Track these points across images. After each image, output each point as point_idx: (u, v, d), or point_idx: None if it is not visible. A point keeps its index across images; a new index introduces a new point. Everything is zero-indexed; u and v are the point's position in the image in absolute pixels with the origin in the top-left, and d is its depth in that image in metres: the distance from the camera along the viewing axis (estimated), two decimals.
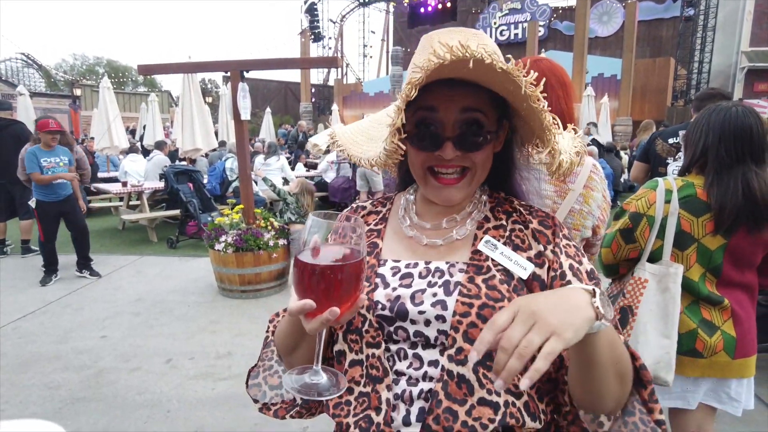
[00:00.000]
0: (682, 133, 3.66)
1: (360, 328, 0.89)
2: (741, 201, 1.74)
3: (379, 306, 0.87)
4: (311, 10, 28.04)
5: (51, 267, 5.93)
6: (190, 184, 7.60)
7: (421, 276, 0.89)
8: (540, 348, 0.62)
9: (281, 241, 5.21)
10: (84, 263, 6.13)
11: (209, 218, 7.03)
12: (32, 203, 5.61)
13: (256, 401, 1.04)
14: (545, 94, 0.79)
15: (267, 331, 1.06)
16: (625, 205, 1.97)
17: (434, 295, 0.85)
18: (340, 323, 0.75)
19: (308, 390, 0.75)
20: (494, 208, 0.97)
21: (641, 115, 17.22)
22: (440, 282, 0.87)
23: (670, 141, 3.69)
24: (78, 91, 25.38)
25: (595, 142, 9.56)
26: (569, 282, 0.86)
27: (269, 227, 5.30)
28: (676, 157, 3.65)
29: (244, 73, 5.00)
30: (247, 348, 4.07)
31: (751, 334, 1.84)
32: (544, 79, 0.81)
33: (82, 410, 3.20)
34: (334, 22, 30.45)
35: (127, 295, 5.39)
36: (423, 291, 0.86)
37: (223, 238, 5.10)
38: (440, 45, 0.71)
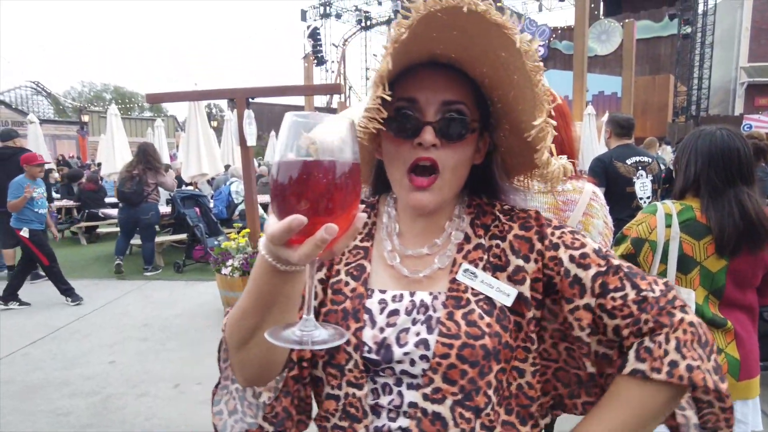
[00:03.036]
0: (637, 158, 3.97)
1: (342, 365, 0.83)
2: (739, 222, 1.77)
3: (366, 348, 0.83)
4: (314, 35, 28.57)
5: (68, 287, 6.07)
6: (197, 209, 7.69)
7: (407, 312, 0.84)
8: None
9: None
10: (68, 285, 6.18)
11: (216, 242, 7.10)
12: (25, 233, 5.75)
13: None
14: None
15: (223, 330, 0.83)
16: (625, 231, 2.00)
17: (417, 334, 0.82)
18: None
19: (302, 340, 0.61)
20: (474, 220, 0.92)
21: (643, 132, 17.31)
22: (423, 318, 0.83)
23: (629, 162, 3.95)
24: (86, 118, 25.80)
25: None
26: (576, 278, 0.82)
27: None
28: (638, 175, 3.93)
29: (250, 100, 5.11)
30: None
31: (754, 354, 1.86)
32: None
33: None
34: (336, 46, 30.98)
35: (134, 320, 5.42)
36: (407, 330, 0.83)
37: (229, 262, 5.15)
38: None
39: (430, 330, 0.82)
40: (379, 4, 28.88)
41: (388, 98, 0.74)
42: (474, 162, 0.90)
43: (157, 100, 5.24)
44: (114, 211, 9.35)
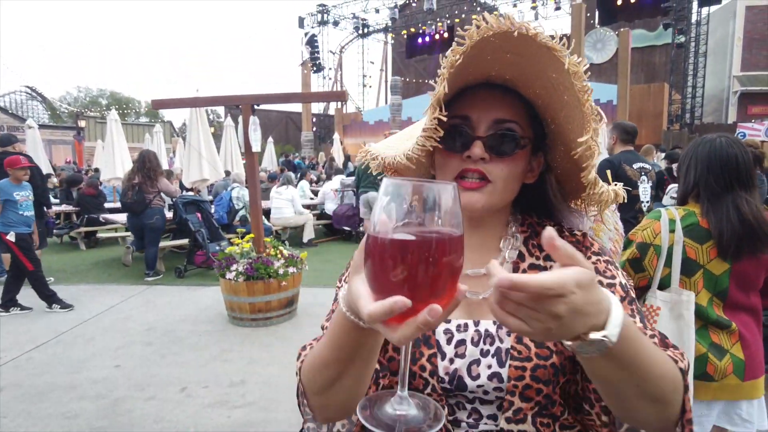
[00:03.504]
0: (640, 164, 4.28)
1: (420, 390, 0.86)
2: (738, 226, 1.84)
3: (438, 378, 0.86)
4: (311, 42, 28.75)
5: (51, 293, 6.00)
6: (199, 214, 7.71)
7: (473, 342, 0.87)
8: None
9: (291, 269, 5.30)
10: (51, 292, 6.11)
11: (217, 248, 7.13)
12: (11, 237, 5.71)
13: None
14: None
15: (297, 374, 0.84)
16: (631, 236, 2.07)
17: (489, 366, 0.85)
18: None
19: (392, 424, 0.57)
20: (528, 239, 0.94)
21: (638, 140, 17.46)
22: (492, 350, 0.86)
23: (635, 166, 4.24)
24: (82, 123, 25.78)
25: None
26: None
27: (279, 255, 5.39)
28: (641, 179, 4.21)
29: (255, 106, 5.17)
30: (260, 376, 4.12)
31: (759, 356, 1.93)
32: None
33: None
34: (333, 53, 31.13)
35: (137, 325, 5.44)
36: (478, 362, 0.86)
37: (234, 267, 5.18)
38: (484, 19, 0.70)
39: (501, 363, 0.85)
40: (377, 12, 29.07)
41: (444, 119, 0.78)
42: (527, 181, 0.93)
43: (164, 106, 5.29)
44: (115, 216, 9.38)
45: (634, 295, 0.88)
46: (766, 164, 4.73)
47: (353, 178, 9.98)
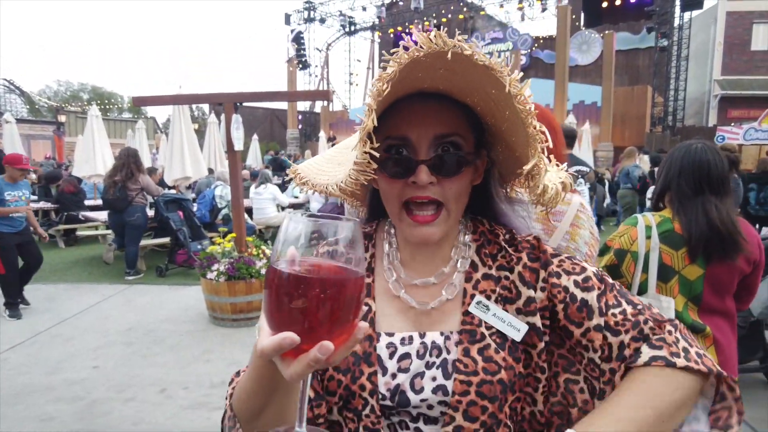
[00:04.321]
0: (577, 168, 4.47)
1: (359, 411, 0.82)
2: (705, 229, 1.88)
3: (378, 396, 0.82)
4: (298, 39, 28.54)
5: (15, 300, 5.73)
6: (180, 213, 7.62)
7: (419, 355, 0.83)
8: None
9: None
10: (15, 300, 5.79)
11: (199, 246, 7.06)
12: None
13: None
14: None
15: (226, 398, 0.82)
16: (608, 242, 2.10)
17: (434, 379, 0.81)
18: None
19: None
20: (480, 248, 0.90)
21: (622, 141, 17.73)
22: (438, 362, 0.82)
23: (573, 169, 4.40)
24: (63, 118, 25.27)
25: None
26: (584, 301, 0.82)
27: (261, 255, 5.35)
28: (578, 182, 4.31)
29: (238, 104, 5.12)
30: None
31: (732, 360, 1.96)
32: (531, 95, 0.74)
33: None
34: (320, 51, 30.97)
35: (117, 325, 5.36)
36: (422, 375, 0.82)
37: (215, 267, 5.13)
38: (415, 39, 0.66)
39: (447, 375, 0.81)
40: (364, 10, 28.98)
41: (377, 154, 0.72)
42: (473, 183, 0.88)
43: (144, 103, 5.21)
44: (95, 214, 9.23)
45: (611, 281, 0.85)
46: (741, 168, 4.85)
47: None
